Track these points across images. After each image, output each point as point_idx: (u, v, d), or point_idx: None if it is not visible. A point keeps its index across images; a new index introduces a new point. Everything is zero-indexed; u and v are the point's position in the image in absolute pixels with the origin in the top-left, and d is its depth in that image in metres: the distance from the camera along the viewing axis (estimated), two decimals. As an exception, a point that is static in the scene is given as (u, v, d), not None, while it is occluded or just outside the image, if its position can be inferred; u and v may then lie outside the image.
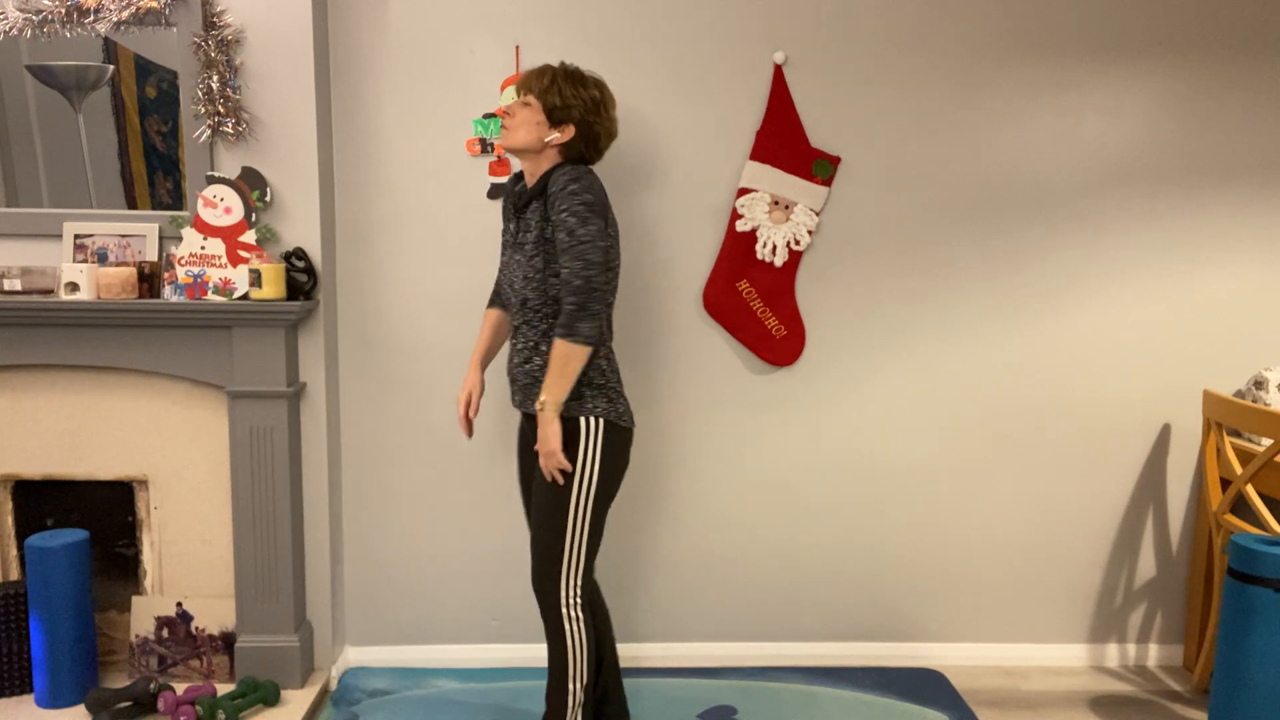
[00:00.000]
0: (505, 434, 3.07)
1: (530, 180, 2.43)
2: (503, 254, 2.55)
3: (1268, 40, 3.01)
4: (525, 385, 2.43)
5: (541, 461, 2.36)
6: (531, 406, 2.41)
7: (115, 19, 2.70)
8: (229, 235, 2.77)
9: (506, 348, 2.76)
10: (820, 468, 3.15)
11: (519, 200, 2.44)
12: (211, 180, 2.77)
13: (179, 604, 2.95)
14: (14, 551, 2.99)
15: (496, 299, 2.67)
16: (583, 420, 2.36)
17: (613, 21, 2.94)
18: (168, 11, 2.71)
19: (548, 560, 2.41)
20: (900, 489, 3.18)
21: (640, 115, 2.98)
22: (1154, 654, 3.28)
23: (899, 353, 3.12)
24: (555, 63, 2.44)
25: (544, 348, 2.39)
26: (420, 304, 3.02)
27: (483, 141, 2.95)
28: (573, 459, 2.36)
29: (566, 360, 2.29)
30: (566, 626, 2.42)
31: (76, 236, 2.81)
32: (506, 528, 3.12)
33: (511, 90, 2.91)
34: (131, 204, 2.89)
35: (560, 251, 2.29)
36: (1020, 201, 3.06)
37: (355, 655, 3.18)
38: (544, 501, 2.40)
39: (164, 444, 2.92)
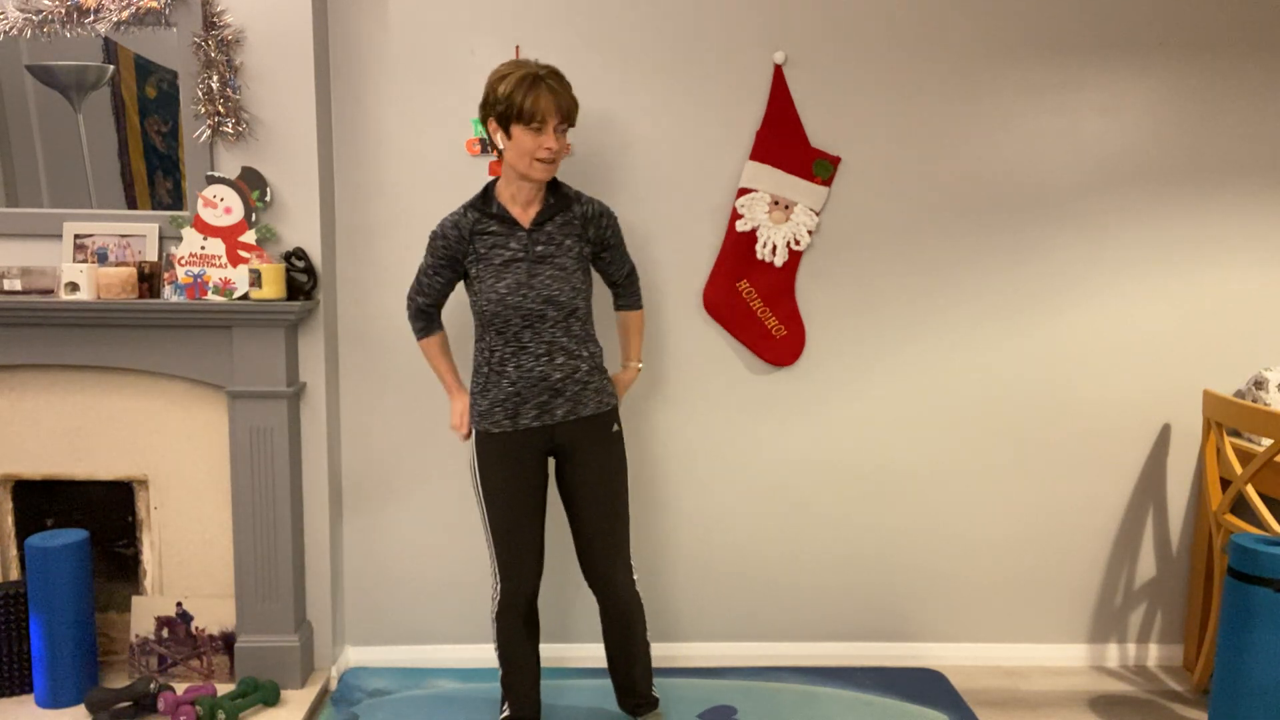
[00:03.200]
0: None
1: (537, 198, 2.48)
2: (503, 272, 2.43)
3: (1268, 40, 3.01)
4: (576, 392, 2.50)
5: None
6: (579, 413, 2.51)
7: (115, 19, 2.70)
8: (229, 235, 2.77)
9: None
10: (820, 467, 3.15)
11: (540, 217, 2.46)
12: (211, 180, 2.77)
13: (179, 604, 2.95)
14: (14, 551, 2.99)
15: (436, 321, 2.64)
16: (617, 405, 2.62)
17: (613, 21, 2.94)
18: (168, 11, 2.71)
19: (625, 543, 2.62)
20: (900, 488, 3.18)
21: (640, 115, 2.98)
22: (1154, 654, 3.28)
23: (899, 352, 3.12)
24: (532, 66, 2.39)
25: (584, 353, 2.51)
26: (420, 304, 3.01)
27: (483, 141, 2.95)
28: (620, 443, 2.59)
29: (643, 327, 2.77)
30: (639, 595, 2.65)
31: (76, 236, 2.81)
32: (506, 528, 3.12)
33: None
34: (131, 204, 2.89)
35: (621, 243, 2.62)
36: (1020, 201, 3.06)
37: (355, 655, 3.18)
38: (613, 492, 2.58)
39: (164, 444, 2.92)
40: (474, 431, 2.56)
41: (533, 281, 2.43)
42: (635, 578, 2.65)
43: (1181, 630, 3.28)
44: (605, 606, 2.65)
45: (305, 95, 2.79)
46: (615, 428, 2.58)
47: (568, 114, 2.39)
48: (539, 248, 2.45)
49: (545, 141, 2.36)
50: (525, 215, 2.47)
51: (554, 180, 2.52)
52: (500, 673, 2.64)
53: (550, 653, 3.07)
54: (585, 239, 2.51)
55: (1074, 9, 2.98)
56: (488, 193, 2.50)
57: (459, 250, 2.48)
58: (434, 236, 2.51)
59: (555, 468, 2.61)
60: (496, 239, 2.46)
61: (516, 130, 2.36)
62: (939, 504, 3.19)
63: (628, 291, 2.70)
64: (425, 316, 2.62)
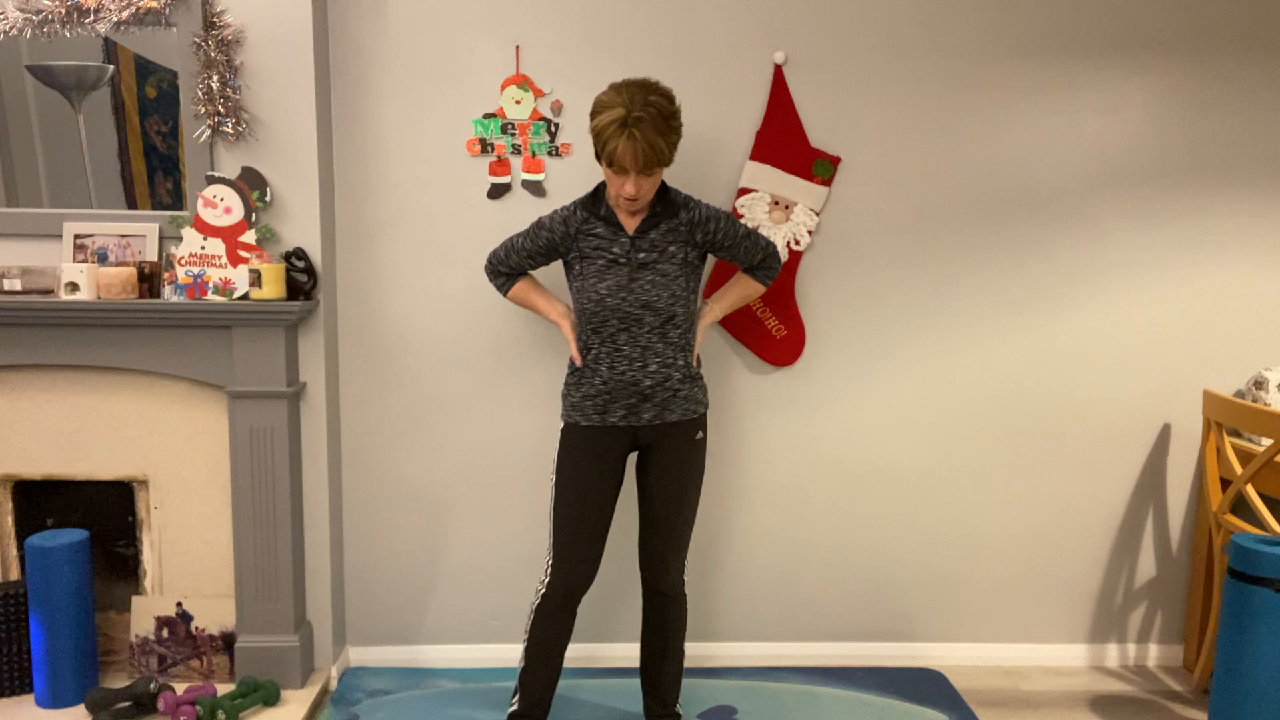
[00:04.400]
0: (508, 433, 3.07)
1: (643, 207, 2.48)
2: (605, 274, 2.46)
3: (1268, 40, 3.01)
4: (665, 399, 2.51)
5: None
6: (664, 418, 2.52)
7: (115, 19, 2.70)
8: (229, 235, 2.77)
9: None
10: (820, 467, 3.15)
11: (645, 225, 2.47)
12: (211, 180, 2.77)
13: (179, 604, 2.95)
14: (14, 551, 2.99)
15: (520, 274, 2.67)
16: (705, 413, 2.62)
17: (613, 21, 2.94)
18: (168, 11, 2.71)
19: (685, 542, 2.64)
20: (900, 488, 3.18)
21: (640, 115, 2.97)
22: (1154, 654, 3.29)
23: (899, 352, 3.12)
24: (631, 105, 2.30)
25: (680, 361, 2.52)
26: (420, 304, 3.02)
27: (483, 141, 2.95)
28: (701, 449, 2.61)
29: (751, 298, 2.74)
30: (686, 598, 2.68)
31: (76, 236, 2.81)
32: (506, 527, 3.12)
33: (514, 91, 2.92)
34: (131, 204, 2.89)
35: (744, 237, 2.58)
36: (1020, 201, 3.06)
37: (355, 655, 3.18)
38: (685, 492, 2.60)
39: (164, 444, 2.92)
40: (563, 422, 2.58)
41: (632, 285, 2.45)
42: (686, 578, 2.67)
43: (1181, 630, 3.28)
44: (651, 600, 2.66)
45: (305, 95, 2.79)
46: (700, 434, 2.60)
47: (647, 165, 2.33)
48: (641, 255, 2.47)
49: (625, 187, 2.37)
50: (631, 221, 2.50)
51: (663, 186, 2.53)
52: (521, 665, 2.62)
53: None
54: (693, 243, 2.51)
55: (1074, 9, 2.98)
56: (598, 193, 2.52)
57: (562, 245, 2.53)
58: (539, 225, 2.56)
59: (636, 459, 2.63)
60: (601, 241, 2.49)
61: (604, 165, 2.39)
62: (939, 504, 3.19)
63: (760, 269, 2.68)
64: (506, 275, 2.67)
